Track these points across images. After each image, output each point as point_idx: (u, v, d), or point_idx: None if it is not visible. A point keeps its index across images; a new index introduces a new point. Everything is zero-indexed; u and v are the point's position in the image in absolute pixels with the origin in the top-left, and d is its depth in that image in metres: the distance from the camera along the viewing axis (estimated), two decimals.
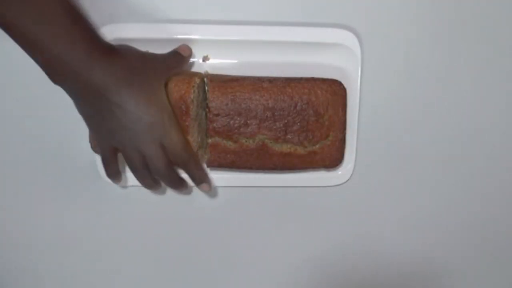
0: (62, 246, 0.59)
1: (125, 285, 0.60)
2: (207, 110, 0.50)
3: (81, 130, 0.52)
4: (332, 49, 0.52)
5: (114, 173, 0.50)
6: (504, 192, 0.59)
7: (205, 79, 0.51)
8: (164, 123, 0.45)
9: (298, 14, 0.52)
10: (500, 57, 0.55)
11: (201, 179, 0.50)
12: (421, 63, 0.55)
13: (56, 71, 0.42)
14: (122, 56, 0.44)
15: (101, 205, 0.57)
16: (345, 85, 0.52)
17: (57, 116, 0.54)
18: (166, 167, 0.47)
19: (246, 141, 0.51)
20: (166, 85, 0.48)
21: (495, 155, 0.58)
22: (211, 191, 0.53)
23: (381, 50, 0.54)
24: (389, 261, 0.60)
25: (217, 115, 0.50)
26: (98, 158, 0.54)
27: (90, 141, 0.51)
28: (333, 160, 0.53)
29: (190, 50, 0.50)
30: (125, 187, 0.54)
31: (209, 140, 0.51)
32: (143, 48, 0.48)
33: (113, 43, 0.46)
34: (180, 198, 0.57)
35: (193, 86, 0.48)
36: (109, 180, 0.54)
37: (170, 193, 0.57)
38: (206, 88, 0.51)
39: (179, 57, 0.49)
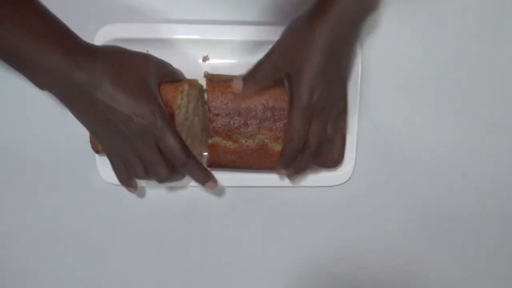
0: (62, 245, 0.59)
1: (125, 285, 0.60)
2: (207, 110, 0.50)
3: (81, 130, 0.52)
4: None
5: (126, 180, 0.48)
6: (506, 193, 0.59)
7: (204, 79, 0.51)
8: (157, 125, 0.43)
9: (299, 14, 0.52)
10: (500, 56, 0.55)
11: (204, 179, 0.49)
12: (421, 62, 0.55)
13: (38, 78, 0.41)
14: (105, 56, 0.43)
15: (101, 205, 0.57)
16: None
17: (57, 115, 0.54)
18: (168, 173, 0.46)
19: (246, 141, 0.51)
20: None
21: (496, 156, 0.58)
22: (217, 187, 0.51)
23: (381, 50, 0.54)
24: (389, 261, 0.60)
25: (217, 115, 0.50)
26: (98, 158, 0.54)
27: (90, 141, 0.51)
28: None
29: (182, 76, 0.52)
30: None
31: (209, 140, 0.51)
32: (143, 48, 0.48)
33: (112, 43, 0.45)
34: (180, 198, 0.57)
35: (182, 92, 0.47)
36: (109, 180, 0.54)
37: (169, 193, 0.57)
38: (206, 88, 0.51)
39: (172, 68, 0.49)
